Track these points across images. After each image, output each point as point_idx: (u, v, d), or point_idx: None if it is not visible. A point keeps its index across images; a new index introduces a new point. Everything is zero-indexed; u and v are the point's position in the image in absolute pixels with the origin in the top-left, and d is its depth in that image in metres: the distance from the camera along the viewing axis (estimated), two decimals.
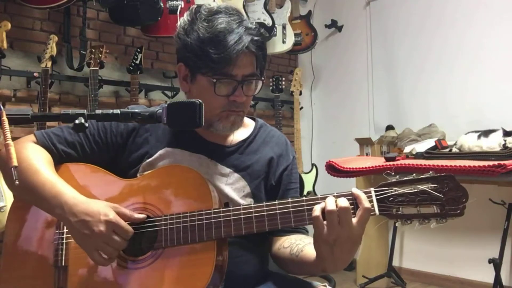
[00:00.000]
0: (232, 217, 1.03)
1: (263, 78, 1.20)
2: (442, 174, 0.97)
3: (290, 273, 1.22)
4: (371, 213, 0.97)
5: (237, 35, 1.11)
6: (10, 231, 1.17)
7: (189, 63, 1.17)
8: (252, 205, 1.04)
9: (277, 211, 1.02)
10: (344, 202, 0.96)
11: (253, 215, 1.03)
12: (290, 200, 1.02)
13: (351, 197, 0.98)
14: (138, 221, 1.06)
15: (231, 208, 1.05)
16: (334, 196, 0.99)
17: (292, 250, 1.14)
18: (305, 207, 1.00)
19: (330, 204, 0.96)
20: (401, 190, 0.97)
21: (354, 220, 0.96)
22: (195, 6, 1.20)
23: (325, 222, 0.96)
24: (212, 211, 1.04)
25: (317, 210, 0.97)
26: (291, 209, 1.01)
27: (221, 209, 1.04)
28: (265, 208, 1.03)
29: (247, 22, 1.16)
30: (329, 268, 1.04)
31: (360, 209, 0.96)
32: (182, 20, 1.18)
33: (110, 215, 1.01)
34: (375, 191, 0.98)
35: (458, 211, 0.96)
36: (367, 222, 0.98)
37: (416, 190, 0.97)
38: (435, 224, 0.98)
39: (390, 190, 0.97)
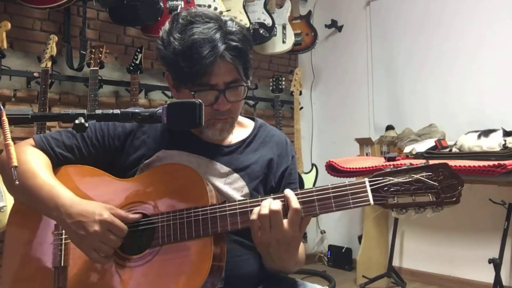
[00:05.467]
0: (228, 212, 1.04)
1: (247, 83, 1.17)
2: (437, 163, 0.98)
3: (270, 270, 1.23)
4: (366, 203, 0.99)
5: (210, 45, 1.07)
6: (10, 234, 1.19)
7: (170, 74, 1.17)
8: (248, 200, 1.06)
9: None
10: (275, 205, 0.99)
11: (249, 209, 1.04)
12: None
13: (283, 198, 1.02)
14: (133, 221, 1.06)
15: (227, 203, 1.06)
16: (271, 198, 1.02)
17: None
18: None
19: (264, 208, 1.00)
20: (395, 180, 0.98)
21: (285, 222, 1.00)
22: (176, 12, 1.18)
23: (259, 223, 1.00)
24: (208, 207, 1.05)
25: (254, 214, 1.01)
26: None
27: (216, 205, 1.05)
28: (260, 202, 1.04)
29: (228, 25, 1.12)
30: (276, 266, 1.10)
31: (290, 210, 1.00)
32: (163, 29, 1.16)
33: (105, 214, 1.02)
34: (369, 181, 0.99)
35: (454, 199, 0.96)
36: (304, 223, 1.02)
37: (410, 179, 0.97)
38: (432, 212, 0.98)
39: (384, 180, 0.99)
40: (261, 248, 1.06)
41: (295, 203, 1.00)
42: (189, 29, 1.10)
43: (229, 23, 1.13)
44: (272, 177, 1.25)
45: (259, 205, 1.03)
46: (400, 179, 0.98)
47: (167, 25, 1.15)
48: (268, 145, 1.28)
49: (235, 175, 1.20)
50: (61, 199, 1.05)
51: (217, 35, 1.09)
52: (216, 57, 1.07)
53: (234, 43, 1.10)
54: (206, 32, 1.09)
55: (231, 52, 1.10)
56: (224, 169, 1.20)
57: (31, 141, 1.19)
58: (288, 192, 1.02)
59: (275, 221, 0.99)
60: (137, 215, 1.07)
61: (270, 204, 1.00)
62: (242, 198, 1.18)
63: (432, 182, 0.96)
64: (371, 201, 0.98)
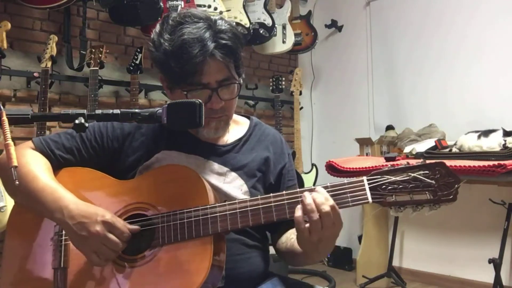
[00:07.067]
0: (228, 212, 1.04)
1: (240, 80, 1.18)
2: (433, 161, 1.00)
3: (292, 265, 1.24)
4: (364, 201, 1.00)
5: (200, 44, 1.08)
6: (10, 234, 1.18)
7: (163, 75, 1.18)
8: (248, 199, 1.06)
9: (272, 204, 1.03)
10: (326, 208, 0.98)
11: (249, 208, 1.04)
12: (284, 192, 1.04)
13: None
14: (132, 232, 1.05)
15: (227, 202, 1.06)
16: (309, 191, 1.01)
17: (287, 245, 1.18)
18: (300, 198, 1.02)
19: (312, 212, 0.97)
20: (393, 178, 1.00)
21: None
22: (166, 14, 1.18)
23: (307, 225, 0.98)
24: (208, 206, 1.05)
25: (301, 223, 0.99)
26: (286, 201, 1.03)
27: (216, 204, 1.05)
28: (260, 201, 1.04)
29: (218, 24, 1.12)
30: (316, 258, 1.14)
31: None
32: (154, 31, 1.16)
33: (107, 216, 1.02)
34: (368, 179, 1.00)
35: (450, 196, 0.98)
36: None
37: (408, 178, 0.99)
38: (429, 210, 1.00)
39: (382, 178, 1.00)
40: (309, 247, 1.04)
41: (329, 200, 0.99)
42: (179, 29, 1.10)
43: (219, 22, 1.13)
44: (271, 175, 1.26)
45: (259, 204, 1.03)
46: (398, 178, 0.99)
47: (157, 27, 1.16)
48: (263, 144, 1.29)
49: (233, 174, 1.20)
50: (63, 201, 1.05)
51: (207, 34, 1.09)
52: (206, 56, 1.08)
53: (224, 41, 1.11)
54: (196, 31, 1.09)
55: (221, 50, 1.10)
56: (222, 168, 1.20)
57: (30, 144, 1.19)
58: (320, 192, 1.00)
59: (328, 222, 0.98)
60: (135, 226, 1.06)
61: (318, 206, 0.98)
62: (244, 196, 1.18)
63: (429, 180, 0.98)
64: (369, 199, 1.00)
